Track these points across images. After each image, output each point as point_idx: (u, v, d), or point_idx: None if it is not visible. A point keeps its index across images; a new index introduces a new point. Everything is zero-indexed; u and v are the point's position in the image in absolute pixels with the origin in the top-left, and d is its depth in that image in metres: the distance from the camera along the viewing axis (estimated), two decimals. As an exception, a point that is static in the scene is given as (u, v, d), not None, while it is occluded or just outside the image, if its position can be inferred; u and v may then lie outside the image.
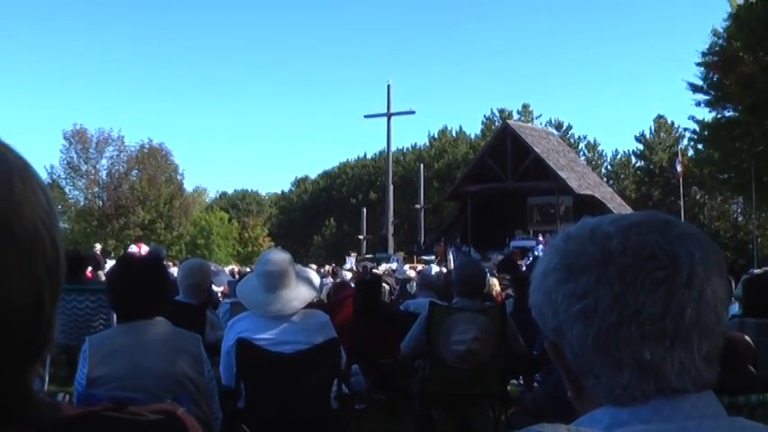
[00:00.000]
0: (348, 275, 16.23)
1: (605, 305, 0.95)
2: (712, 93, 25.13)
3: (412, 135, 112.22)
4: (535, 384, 6.58)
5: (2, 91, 77.56)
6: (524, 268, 17.05)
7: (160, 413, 0.84)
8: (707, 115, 26.40)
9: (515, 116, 54.74)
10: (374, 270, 17.49)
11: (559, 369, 1.05)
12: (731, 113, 24.36)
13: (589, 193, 34.65)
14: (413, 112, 39.87)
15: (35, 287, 0.69)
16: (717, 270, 0.98)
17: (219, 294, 11.06)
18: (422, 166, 46.42)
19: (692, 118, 27.12)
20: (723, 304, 0.98)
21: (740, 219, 50.00)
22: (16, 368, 0.70)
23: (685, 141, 42.52)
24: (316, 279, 4.85)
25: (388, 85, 38.96)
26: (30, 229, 0.69)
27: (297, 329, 4.21)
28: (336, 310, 6.89)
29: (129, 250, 19.80)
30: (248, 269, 16.63)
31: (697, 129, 27.32)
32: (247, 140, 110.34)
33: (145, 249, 18.16)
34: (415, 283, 12.16)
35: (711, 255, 0.99)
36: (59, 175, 49.59)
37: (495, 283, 10.38)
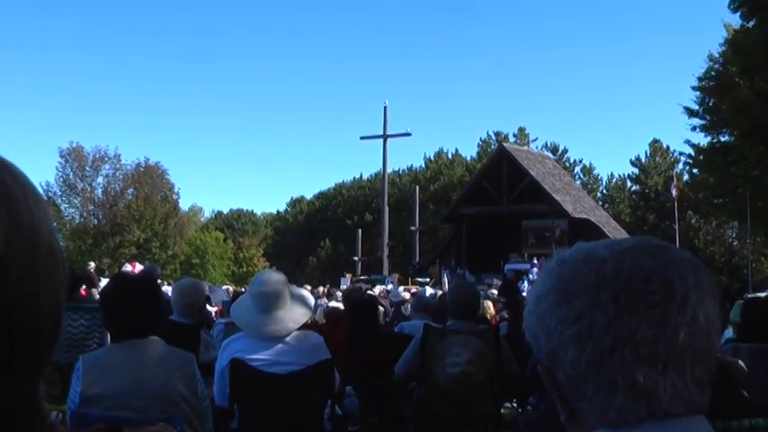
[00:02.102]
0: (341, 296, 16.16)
1: (599, 328, 0.96)
2: (708, 117, 25.22)
3: (408, 157, 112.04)
4: (529, 407, 6.57)
5: (-2, 107, 77.60)
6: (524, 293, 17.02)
7: None
8: (702, 140, 26.52)
9: (511, 139, 54.82)
10: (368, 291, 17.44)
11: (552, 393, 1.05)
12: (727, 138, 24.42)
13: (584, 216, 34.74)
14: (409, 134, 40.09)
15: (56, 300, 0.73)
16: (710, 295, 0.99)
17: (214, 314, 11.05)
18: (417, 188, 46.53)
19: (688, 142, 27.25)
20: (716, 328, 0.98)
21: (735, 243, 50.14)
22: (37, 378, 0.73)
23: (681, 166, 42.70)
24: (310, 300, 4.85)
25: (385, 107, 39.18)
26: (47, 245, 0.72)
27: (291, 350, 4.21)
28: (331, 332, 6.86)
29: (124, 269, 19.75)
30: (243, 289, 16.58)
31: (692, 153, 27.42)
32: (243, 160, 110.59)
33: (139, 268, 18.10)
34: (409, 306, 12.14)
35: (704, 279, 0.99)
36: (55, 193, 49.69)
37: (489, 306, 10.36)
